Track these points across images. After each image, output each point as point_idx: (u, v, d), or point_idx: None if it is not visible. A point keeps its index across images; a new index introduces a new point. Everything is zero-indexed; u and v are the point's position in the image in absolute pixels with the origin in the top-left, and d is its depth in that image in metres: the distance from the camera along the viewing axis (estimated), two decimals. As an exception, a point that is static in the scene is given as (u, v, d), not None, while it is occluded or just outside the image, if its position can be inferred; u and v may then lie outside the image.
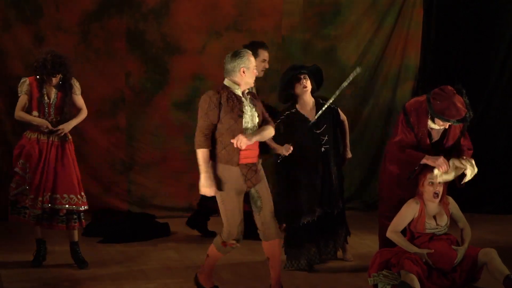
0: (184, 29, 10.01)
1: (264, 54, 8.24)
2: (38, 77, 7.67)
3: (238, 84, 6.59)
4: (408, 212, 7.06)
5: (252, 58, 6.61)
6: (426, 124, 7.13)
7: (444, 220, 7.09)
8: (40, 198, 7.61)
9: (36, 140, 7.69)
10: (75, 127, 9.05)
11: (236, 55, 6.58)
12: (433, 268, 6.91)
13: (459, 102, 6.97)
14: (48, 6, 9.59)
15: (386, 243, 7.19)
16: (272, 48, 10.19)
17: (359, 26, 10.39)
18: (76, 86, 7.83)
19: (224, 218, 6.63)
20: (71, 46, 9.64)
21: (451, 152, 7.14)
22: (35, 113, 7.71)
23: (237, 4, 10.09)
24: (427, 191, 7.00)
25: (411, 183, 7.11)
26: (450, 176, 7.02)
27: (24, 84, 7.72)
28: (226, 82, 6.62)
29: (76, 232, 7.80)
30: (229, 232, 6.62)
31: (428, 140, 7.16)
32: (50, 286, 7.23)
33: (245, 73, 6.57)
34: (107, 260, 8.02)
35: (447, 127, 7.11)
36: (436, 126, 7.12)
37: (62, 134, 7.71)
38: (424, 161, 7.00)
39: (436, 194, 6.99)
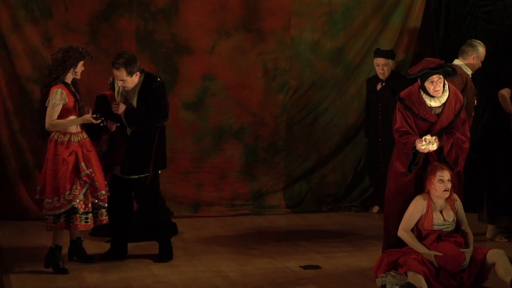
0: (193, 29, 10.00)
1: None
2: (64, 82, 7.60)
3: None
4: (417, 208, 7.09)
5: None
6: (421, 100, 7.20)
7: (451, 216, 7.12)
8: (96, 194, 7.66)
9: (67, 143, 7.59)
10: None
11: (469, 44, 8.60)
12: (441, 268, 6.90)
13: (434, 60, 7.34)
14: (57, 6, 9.58)
15: (389, 244, 7.27)
16: (280, 48, 10.21)
17: (367, 26, 10.35)
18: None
19: None
20: (80, 46, 9.66)
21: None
22: (72, 117, 7.64)
23: (246, 4, 10.07)
24: (438, 188, 7.05)
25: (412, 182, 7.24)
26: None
27: (58, 94, 7.55)
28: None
29: None
30: None
31: (431, 116, 7.21)
32: (58, 286, 7.26)
33: (474, 60, 8.56)
34: (115, 259, 8.02)
35: (437, 90, 7.15)
36: (432, 102, 7.19)
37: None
38: (416, 143, 7.13)
39: (446, 191, 7.04)
